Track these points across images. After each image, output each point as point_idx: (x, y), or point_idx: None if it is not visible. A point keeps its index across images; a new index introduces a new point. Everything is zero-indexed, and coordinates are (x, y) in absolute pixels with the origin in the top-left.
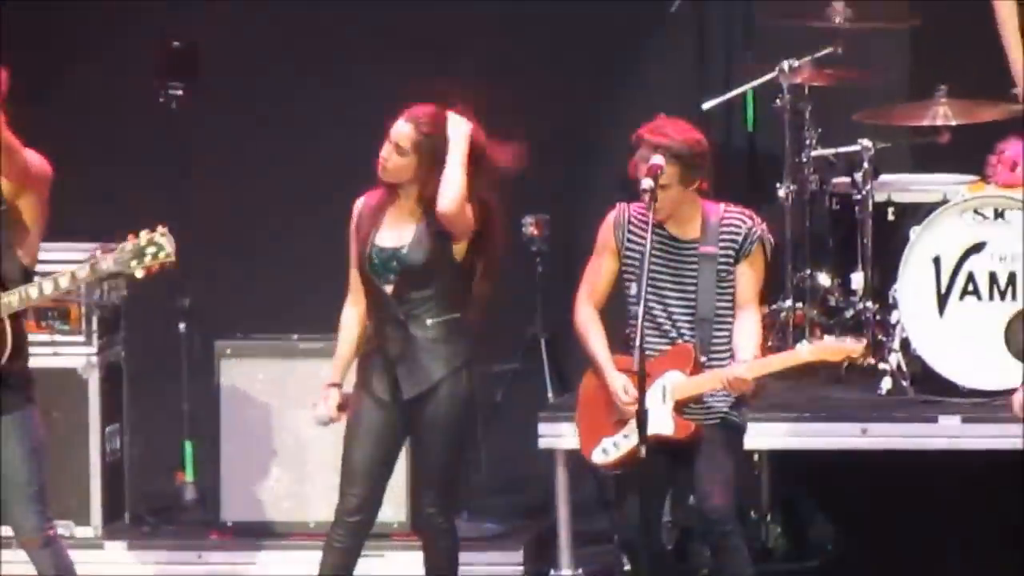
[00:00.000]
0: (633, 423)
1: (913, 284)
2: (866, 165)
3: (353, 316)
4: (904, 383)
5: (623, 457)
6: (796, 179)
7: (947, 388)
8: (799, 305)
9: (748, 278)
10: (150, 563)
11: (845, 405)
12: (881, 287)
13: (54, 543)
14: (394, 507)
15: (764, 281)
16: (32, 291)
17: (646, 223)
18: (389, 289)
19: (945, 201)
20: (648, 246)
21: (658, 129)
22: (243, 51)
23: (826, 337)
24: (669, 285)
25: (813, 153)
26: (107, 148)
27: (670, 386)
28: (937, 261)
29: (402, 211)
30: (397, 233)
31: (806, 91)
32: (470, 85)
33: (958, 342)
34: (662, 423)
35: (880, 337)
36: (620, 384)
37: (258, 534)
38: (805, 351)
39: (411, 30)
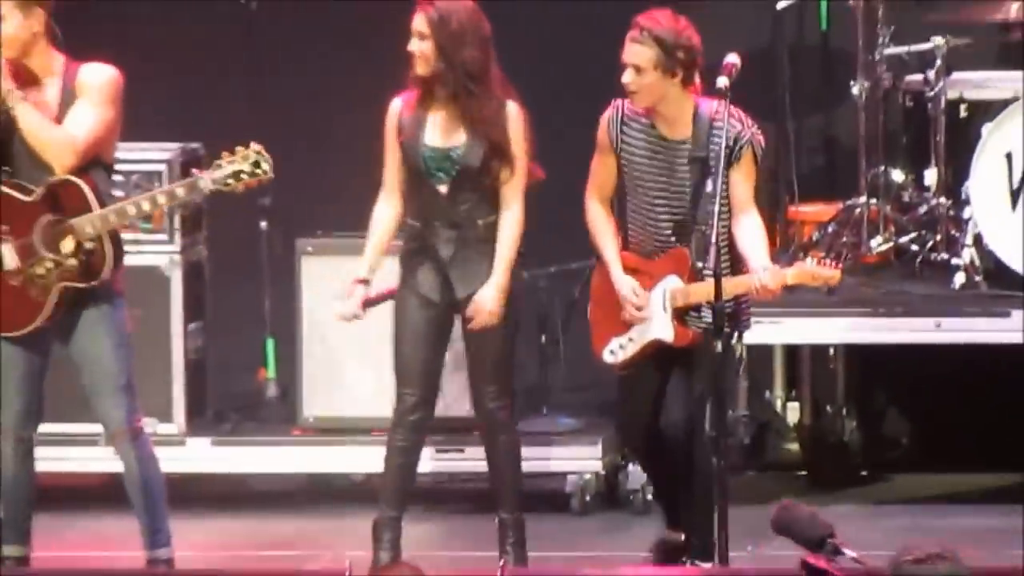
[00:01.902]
0: (638, 327)
1: (986, 180)
2: (939, 63)
3: (388, 214)
4: (977, 278)
5: (629, 359)
6: (869, 77)
7: (1020, 282)
8: (873, 201)
9: (740, 183)
10: (232, 459)
11: (919, 300)
12: (954, 183)
13: (141, 436)
14: (469, 403)
15: (758, 182)
16: (130, 208)
17: (641, 124)
18: (443, 189)
19: (1017, 98)
20: (724, 140)
21: (651, 15)
22: None
23: (808, 260)
24: (661, 187)
25: (886, 51)
26: (187, 49)
27: (669, 292)
28: (1009, 157)
29: (443, 110)
30: (446, 133)
31: None
32: None
33: None
34: (662, 329)
35: (953, 232)
36: (629, 287)
37: (339, 430)
38: (790, 274)
39: None
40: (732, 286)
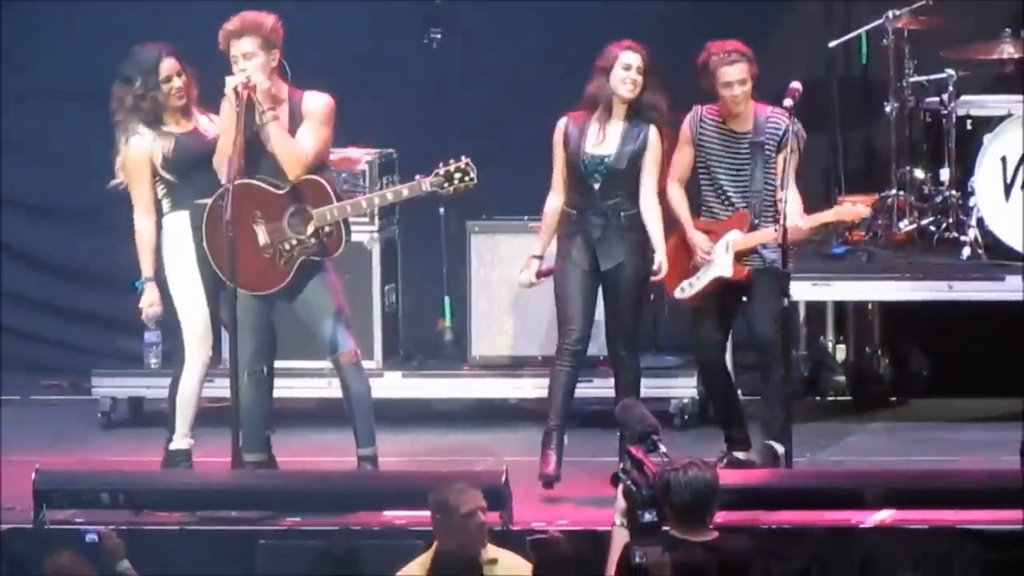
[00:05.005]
0: (703, 269)
1: (986, 177)
2: (951, 88)
3: (555, 206)
4: (979, 251)
5: (696, 294)
6: (899, 99)
7: (1011, 254)
8: (901, 193)
9: (787, 163)
10: (417, 388)
11: (936, 267)
12: (962, 179)
13: (360, 360)
14: (599, 346)
15: (800, 164)
16: (364, 203)
17: (715, 121)
18: (596, 187)
19: (1010, 115)
20: (790, 147)
21: (725, 42)
22: (484, 5)
23: (844, 202)
24: (727, 167)
25: (911, 79)
26: (381, 73)
27: (731, 241)
28: (1004, 160)
29: (603, 125)
30: (603, 144)
31: (905, 33)
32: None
33: (1020, 219)
34: (724, 268)
35: (961, 216)
36: (701, 238)
37: (498, 366)
38: (829, 213)
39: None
40: (759, 235)
